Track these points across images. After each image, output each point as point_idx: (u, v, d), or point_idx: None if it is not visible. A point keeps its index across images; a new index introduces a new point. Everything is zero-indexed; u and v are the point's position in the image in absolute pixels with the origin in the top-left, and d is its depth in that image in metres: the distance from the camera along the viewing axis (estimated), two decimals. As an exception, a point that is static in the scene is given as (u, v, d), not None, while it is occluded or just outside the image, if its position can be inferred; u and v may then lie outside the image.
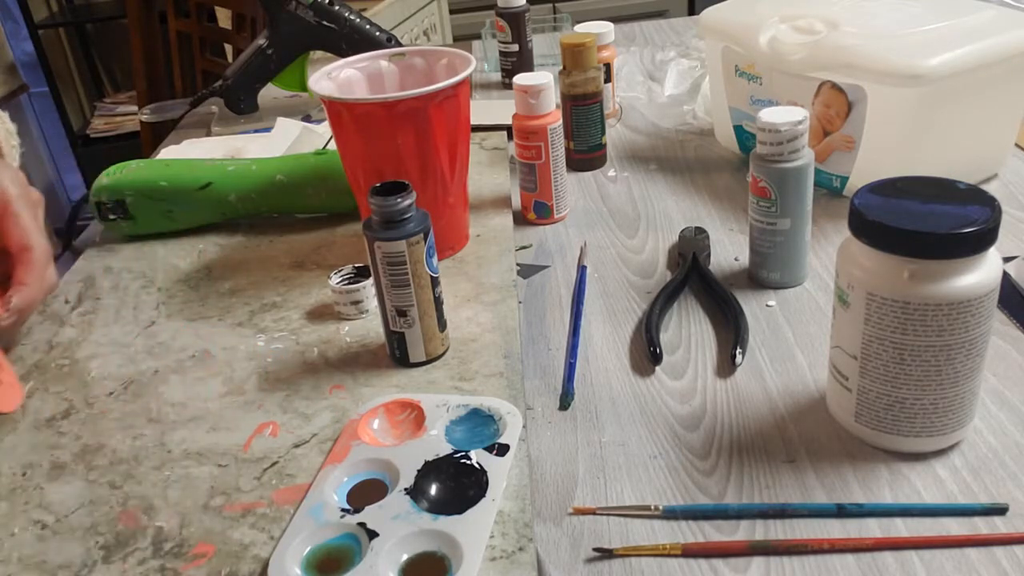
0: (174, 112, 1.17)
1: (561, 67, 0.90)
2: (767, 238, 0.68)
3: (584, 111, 0.90)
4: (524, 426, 0.55)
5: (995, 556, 0.45)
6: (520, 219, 0.84)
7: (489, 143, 1.00)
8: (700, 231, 0.76)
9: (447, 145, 0.71)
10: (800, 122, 0.63)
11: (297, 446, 0.55)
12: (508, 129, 1.02)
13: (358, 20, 1.10)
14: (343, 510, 0.49)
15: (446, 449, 0.53)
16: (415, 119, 0.68)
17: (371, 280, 0.68)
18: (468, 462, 0.51)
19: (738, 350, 0.61)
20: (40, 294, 0.65)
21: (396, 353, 0.62)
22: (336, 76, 0.75)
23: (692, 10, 2.60)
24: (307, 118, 1.12)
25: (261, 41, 1.11)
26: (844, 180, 0.80)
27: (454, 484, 0.50)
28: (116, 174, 0.82)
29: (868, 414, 0.51)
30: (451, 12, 2.07)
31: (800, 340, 0.63)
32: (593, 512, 0.50)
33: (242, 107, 1.15)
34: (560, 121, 0.79)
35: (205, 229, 0.85)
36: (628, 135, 1.02)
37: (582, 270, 0.74)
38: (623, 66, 1.18)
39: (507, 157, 0.96)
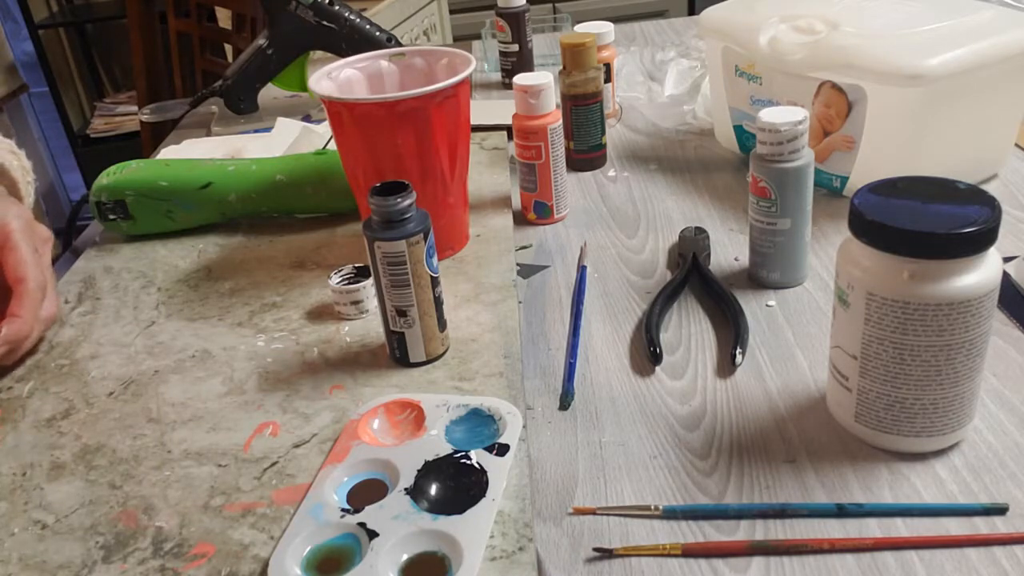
0: (174, 112, 1.17)
1: (561, 67, 0.90)
2: (767, 238, 0.68)
3: (584, 111, 0.90)
4: (524, 426, 0.55)
5: (995, 556, 0.45)
6: (520, 219, 0.84)
7: (489, 143, 1.00)
8: (700, 231, 0.76)
9: (447, 145, 0.71)
10: (800, 122, 0.63)
11: (297, 446, 0.55)
12: (508, 129, 1.02)
13: (358, 20, 1.10)
14: (343, 510, 0.49)
15: (446, 449, 0.53)
16: (415, 119, 0.68)
17: (371, 280, 0.68)
18: (468, 462, 0.51)
19: (738, 350, 0.61)
20: (33, 326, 0.65)
21: (396, 353, 0.62)
22: (336, 76, 0.75)
23: (692, 10, 2.60)
24: (307, 118, 1.12)
25: (261, 41, 1.11)
26: (844, 180, 0.80)
27: (454, 484, 0.50)
28: (116, 174, 0.82)
29: (868, 414, 0.51)
30: (451, 12, 2.07)
31: (800, 340, 0.63)
32: (593, 512, 0.50)
33: (242, 107, 1.15)
34: (560, 121, 0.79)
35: (205, 229, 0.85)
36: (628, 135, 1.02)
37: (582, 270, 0.74)
38: (623, 66, 1.18)
39: (507, 157, 0.96)
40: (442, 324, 0.62)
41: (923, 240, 0.45)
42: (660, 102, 1.10)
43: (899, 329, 0.47)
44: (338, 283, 0.69)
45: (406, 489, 0.50)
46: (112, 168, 0.83)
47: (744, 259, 0.73)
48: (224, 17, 2.02)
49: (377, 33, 1.11)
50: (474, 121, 0.78)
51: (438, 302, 0.61)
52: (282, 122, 1.07)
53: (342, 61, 0.76)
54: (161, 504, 0.52)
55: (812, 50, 0.76)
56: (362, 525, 0.47)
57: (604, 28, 1.04)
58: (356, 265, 0.71)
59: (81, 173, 2.88)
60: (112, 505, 0.52)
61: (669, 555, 0.46)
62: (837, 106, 0.76)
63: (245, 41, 1.84)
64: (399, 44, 1.12)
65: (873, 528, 0.47)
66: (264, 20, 1.12)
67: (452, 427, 0.55)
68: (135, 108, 2.56)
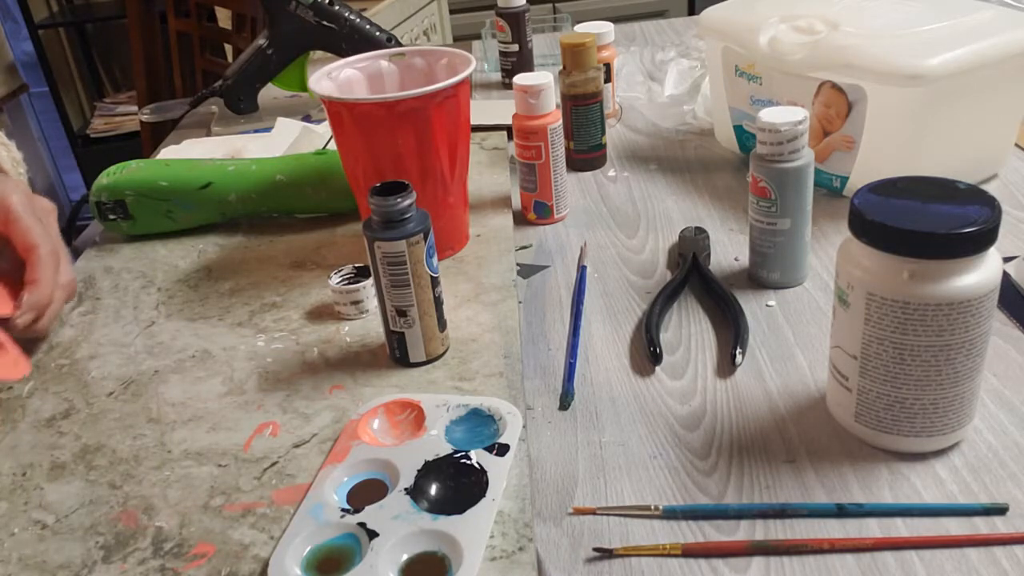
0: (174, 112, 1.17)
1: (561, 67, 0.90)
2: (767, 238, 0.68)
3: (584, 111, 0.90)
4: (524, 426, 0.55)
5: (995, 556, 0.45)
6: (520, 219, 0.84)
7: (489, 143, 1.00)
8: (700, 231, 0.76)
9: (447, 145, 0.71)
10: (800, 122, 0.63)
11: (297, 446, 0.55)
12: (508, 129, 1.02)
13: (358, 20, 1.10)
14: (343, 510, 0.49)
15: (446, 449, 0.53)
16: (415, 119, 0.68)
17: (371, 280, 0.68)
18: (468, 462, 0.51)
19: (738, 350, 0.61)
20: (53, 291, 0.65)
21: (396, 353, 0.62)
22: (336, 76, 0.75)
23: (692, 10, 2.60)
24: (307, 118, 1.12)
25: (261, 41, 1.11)
26: (844, 180, 0.80)
27: (454, 484, 0.50)
28: (116, 174, 0.82)
29: (868, 414, 0.51)
30: (451, 12, 2.07)
31: (800, 340, 0.63)
32: (593, 512, 0.50)
33: (242, 107, 1.15)
34: (560, 121, 0.80)
35: (205, 229, 0.85)
36: (628, 135, 1.02)
37: (582, 270, 0.74)
38: (623, 66, 1.18)
39: (507, 157, 0.96)
40: (442, 324, 0.62)
41: (923, 240, 0.45)
42: (660, 102, 1.10)
43: (899, 329, 0.47)
44: (338, 283, 0.69)
45: (406, 489, 0.50)
46: (112, 168, 0.83)
47: (744, 259, 0.73)
48: (224, 17, 2.02)
49: (377, 33, 1.11)
50: (474, 121, 0.78)
51: (438, 302, 0.61)
52: (282, 122, 1.07)
53: (342, 61, 0.76)
54: (161, 504, 0.52)
55: (812, 50, 0.76)
56: (362, 525, 0.47)
57: (604, 28, 1.04)
58: (356, 265, 0.71)
59: (81, 173, 2.88)
60: (112, 505, 0.52)
61: (669, 555, 0.46)
62: (837, 106, 0.76)
63: (245, 41, 1.84)
64: (399, 44, 1.12)
65: (873, 528, 0.47)
66: (264, 20, 1.12)
67: (452, 427, 0.55)
68: (135, 108, 2.57)
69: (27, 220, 0.65)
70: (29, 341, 0.68)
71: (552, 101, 0.79)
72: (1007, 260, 0.63)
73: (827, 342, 0.62)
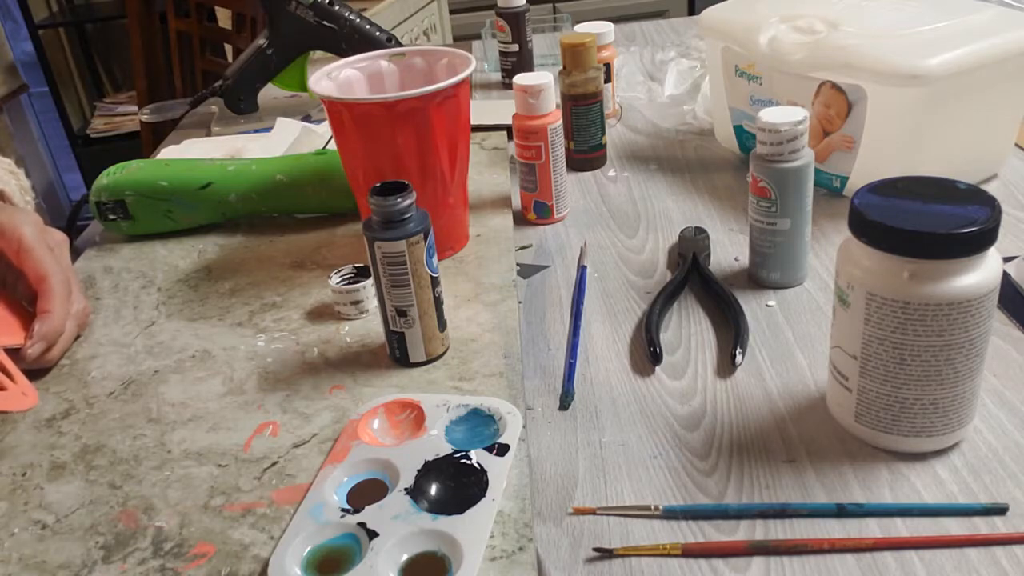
0: (174, 112, 1.17)
1: (561, 67, 0.90)
2: (767, 238, 0.68)
3: (584, 111, 0.90)
4: (524, 426, 0.55)
5: (995, 556, 0.45)
6: (520, 219, 0.84)
7: (489, 143, 1.00)
8: (700, 231, 0.76)
9: (447, 145, 0.71)
10: (800, 122, 0.63)
11: (297, 446, 0.55)
12: (508, 129, 1.02)
13: (358, 20, 1.10)
14: (343, 510, 0.49)
15: (446, 449, 0.53)
16: (415, 119, 0.68)
17: (371, 280, 0.68)
18: (468, 462, 0.51)
19: (738, 350, 0.61)
20: (64, 320, 0.65)
21: (396, 353, 0.62)
22: (336, 76, 0.75)
23: (692, 10, 2.60)
24: (307, 118, 1.12)
25: (261, 41, 1.11)
26: (844, 180, 0.80)
27: (454, 484, 0.50)
28: (116, 174, 0.82)
29: (868, 414, 0.51)
30: (451, 12, 2.07)
31: (800, 340, 0.63)
32: (593, 512, 0.50)
33: (242, 107, 1.15)
34: (560, 121, 0.79)
35: (205, 229, 0.85)
36: (628, 135, 1.02)
37: (582, 270, 0.74)
38: (623, 66, 1.18)
39: (507, 157, 0.96)
40: (442, 324, 0.62)
41: (923, 240, 0.45)
42: (660, 102, 1.10)
43: (899, 329, 0.47)
44: (338, 283, 0.69)
45: (406, 489, 0.50)
46: (112, 168, 0.83)
47: (744, 259, 0.73)
48: (224, 17, 2.02)
49: (377, 33, 1.11)
50: (474, 121, 0.78)
51: (438, 302, 0.61)
52: (282, 122, 1.07)
53: (342, 61, 0.76)
54: (161, 504, 0.52)
55: (812, 50, 0.76)
56: (362, 525, 0.47)
57: (604, 28, 1.04)
58: (356, 265, 0.71)
59: (81, 173, 2.88)
60: (112, 505, 0.52)
61: (669, 555, 0.46)
62: (837, 106, 0.76)
63: (245, 41, 1.84)
64: (399, 44, 1.12)
65: (873, 528, 0.47)
66: (264, 20, 1.12)
67: (452, 427, 0.55)
68: (135, 108, 2.57)
69: (39, 251, 0.66)
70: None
71: (552, 101, 0.79)
72: (1007, 260, 0.63)
73: (827, 342, 0.62)
